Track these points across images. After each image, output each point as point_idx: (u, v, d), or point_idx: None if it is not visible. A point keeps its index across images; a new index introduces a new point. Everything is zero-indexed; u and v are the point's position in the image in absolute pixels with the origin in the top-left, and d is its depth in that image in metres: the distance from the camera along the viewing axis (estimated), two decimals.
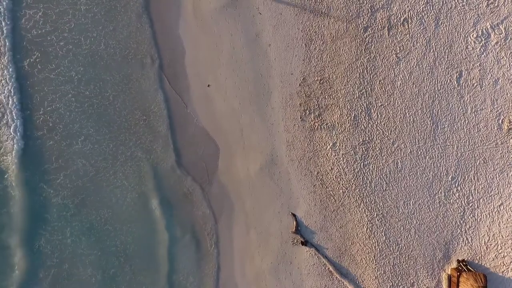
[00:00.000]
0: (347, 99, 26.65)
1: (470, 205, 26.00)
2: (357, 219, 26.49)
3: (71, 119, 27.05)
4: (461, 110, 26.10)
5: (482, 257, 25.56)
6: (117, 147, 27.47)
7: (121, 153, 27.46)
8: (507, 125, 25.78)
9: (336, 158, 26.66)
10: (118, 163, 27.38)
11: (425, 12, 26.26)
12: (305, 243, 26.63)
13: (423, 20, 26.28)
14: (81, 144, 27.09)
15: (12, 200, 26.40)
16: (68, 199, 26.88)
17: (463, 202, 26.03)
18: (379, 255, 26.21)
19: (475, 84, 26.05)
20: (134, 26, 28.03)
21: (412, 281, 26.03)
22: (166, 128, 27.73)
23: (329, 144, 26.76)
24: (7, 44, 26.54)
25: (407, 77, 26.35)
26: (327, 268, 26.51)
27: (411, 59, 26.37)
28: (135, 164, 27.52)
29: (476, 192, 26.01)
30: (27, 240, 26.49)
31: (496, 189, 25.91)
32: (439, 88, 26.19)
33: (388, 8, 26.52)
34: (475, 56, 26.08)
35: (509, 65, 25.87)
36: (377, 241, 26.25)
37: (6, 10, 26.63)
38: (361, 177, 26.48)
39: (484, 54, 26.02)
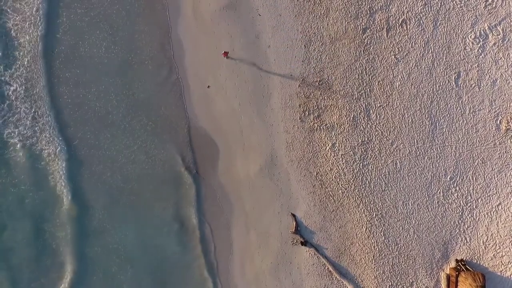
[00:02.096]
0: (346, 100, 26.80)
1: (469, 205, 26.14)
2: (356, 219, 26.63)
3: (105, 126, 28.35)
4: (460, 110, 26.25)
5: (481, 257, 25.69)
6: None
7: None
8: (505, 126, 25.92)
9: (335, 159, 26.81)
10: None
11: (424, 13, 26.42)
12: (304, 243, 26.77)
13: (421, 22, 26.44)
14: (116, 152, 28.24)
15: (60, 205, 27.64)
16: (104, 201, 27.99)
17: (461, 202, 26.16)
18: (378, 255, 26.35)
19: (473, 85, 26.20)
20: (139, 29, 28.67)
21: (411, 281, 26.17)
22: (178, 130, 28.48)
23: (328, 145, 26.92)
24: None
25: (406, 78, 26.51)
26: (326, 268, 26.65)
27: (409, 60, 26.52)
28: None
29: (475, 192, 26.13)
30: (77, 243, 27.65)
31: (494, 189, 26.03)
32: (438, 89, 26.34)
33: (387, 10, 26.68)
34: (473, 57, 26.22)
35: (507, 66, 26.01)
36: (376, 241, 26.39)
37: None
38: (360, 178, 26.62)
39: (482, 55, 26.17)
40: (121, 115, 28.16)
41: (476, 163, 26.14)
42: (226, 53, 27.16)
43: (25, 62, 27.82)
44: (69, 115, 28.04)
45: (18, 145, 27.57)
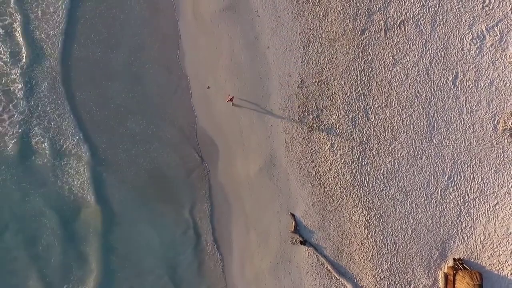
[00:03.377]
0: (344, 101, 27.03)
1: (466, 204, 26.34)
2: (355, 219, 26.84)
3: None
4: (457, 111, 26.47)
5: (478, 256, 25.88)
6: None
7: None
8: (502, 126, 26.14)
9: (334, 159, 27.03)
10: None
11: (421, 14, 26.66)
12: (303, 242, 26.97)
13: (419, 23, 26.67)
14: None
15: (85, 207, 28.07)
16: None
17: (459, 201, 26.36)
18: (376, 254, 26.55)
19: (471, 86, 26.42)
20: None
21: (409, 280, 26.38)
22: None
23: (327, 145, 27.14)
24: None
25: (404, 79, 26.73)
26: (325, 267, 26.86)
27: (407, 61, 26.74)
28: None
29: (472, 192, 26.32)
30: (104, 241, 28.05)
31: (491, 188, 26.23)
32: (435, 89, 26.57)
33: (385, 11, 26.92)
34: (470, 58, 26.45)
35: (504, 66, 26.23)
36: (374, 240, 26.61)
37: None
38: (358, 177, 26.84)
39: (480, 56, 26.39)
40: (134, 117, 28.69)
41: (473, 163, 26.35)
42: (231, 99, 27.32)
43: (46, 65, 28.62)
44: (89, 118, 28.57)
45: (42, 147, 28.13)
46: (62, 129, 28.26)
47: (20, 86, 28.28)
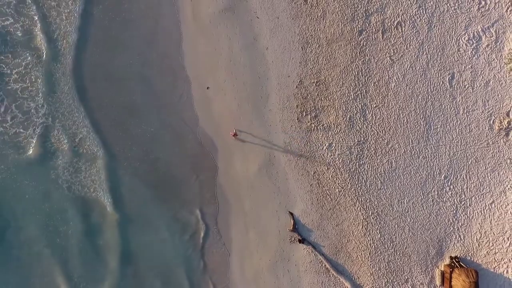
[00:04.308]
0: (342, 101, 27.31)
1: (463, 203, 26.63)
2: (352, 217, 27.13)
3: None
4: (453, 111, 26.76)
5: (474, 254, 26.20)
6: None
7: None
8: (498, 126, 26.41)
9: (332, 158, 27.32)
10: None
11: (418, 15, 26.94)
12: (302, 241, 27.23)
13: (416, 24, 26.96)
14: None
15: (102, 209, 28.34)
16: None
17: (455, 200, 26.66)
18: (374, 252, 26.85)
19: (467, 86, 26.71)
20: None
21: (406, 278, 26.68)
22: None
23: (325, 145, 27.42)
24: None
25: (401, 79, 27.02)
26: (323, 265, 27.14)
27: (404, 61, 27.03)
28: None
29: (468, 191, 26.63)
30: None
31: (487, 187, 26.52)
32: (432, 89, 26.86)
33: (382, 12, 27.19)
34: (466, 58, 26.73)
35: (500, 67, 26.51)
36: (372, 239, 26.90)
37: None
38: (356, 177, 27.13)
39: (476, 56, 26.68)
40: (138, 118, 28.92)
41: (469, 162, 26.65)
42: (235, 134, 27.61)
43: (60, 67, 28.93)
44: (101, 119, 28.73)
45: (58, 147, 28.46)
46: (76, 130, 28.44)
47: (35, 88, 28.62)
